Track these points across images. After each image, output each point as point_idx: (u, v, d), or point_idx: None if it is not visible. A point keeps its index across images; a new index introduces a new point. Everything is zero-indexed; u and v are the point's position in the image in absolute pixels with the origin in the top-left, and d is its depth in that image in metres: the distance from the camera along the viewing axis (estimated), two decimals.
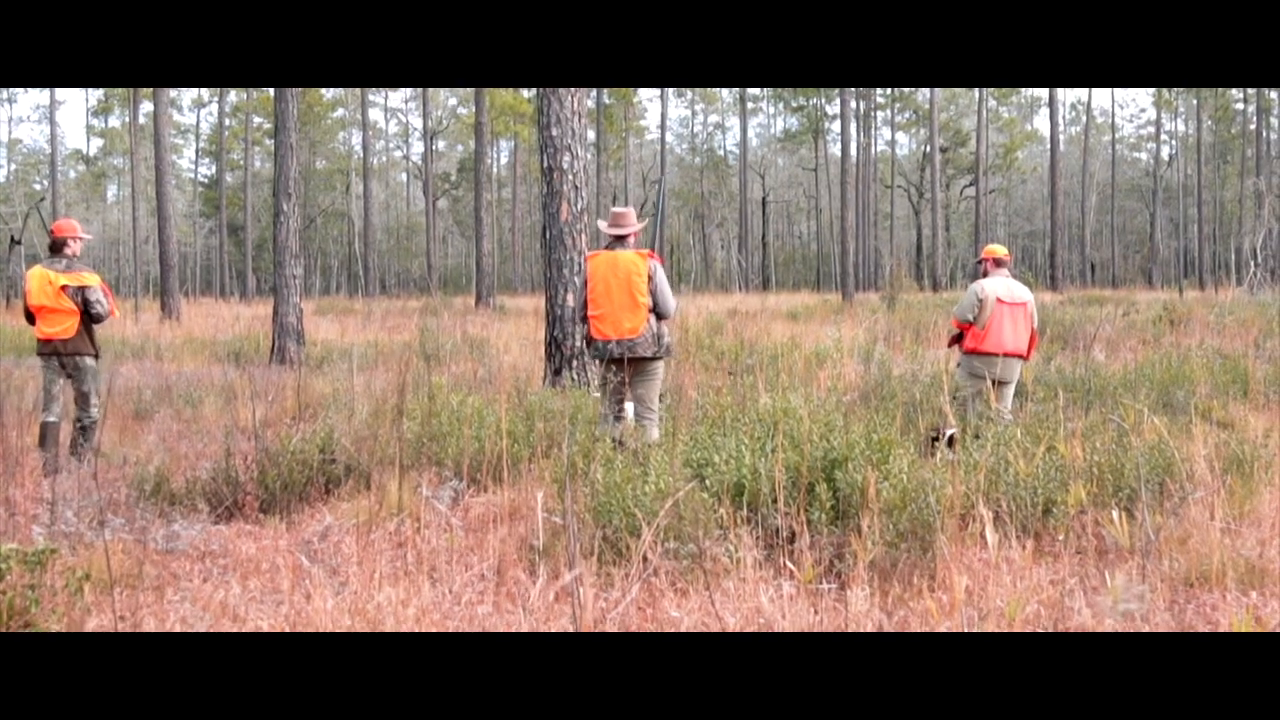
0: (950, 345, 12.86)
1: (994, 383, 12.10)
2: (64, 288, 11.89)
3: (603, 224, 10.90)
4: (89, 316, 12.04)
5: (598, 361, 10.93)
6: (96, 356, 12.23)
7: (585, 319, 10.73)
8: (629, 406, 10.48)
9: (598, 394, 11.30)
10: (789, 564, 7.14)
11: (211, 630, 6.16)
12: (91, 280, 12.11)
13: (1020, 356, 12.41)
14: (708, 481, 8.00)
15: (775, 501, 7.73)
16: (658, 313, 10.52)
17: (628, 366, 10.45)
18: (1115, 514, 7.32)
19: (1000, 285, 12.33)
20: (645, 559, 6.93)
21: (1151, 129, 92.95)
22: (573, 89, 14.88)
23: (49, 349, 12.04)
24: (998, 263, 12.65)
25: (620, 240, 10.61)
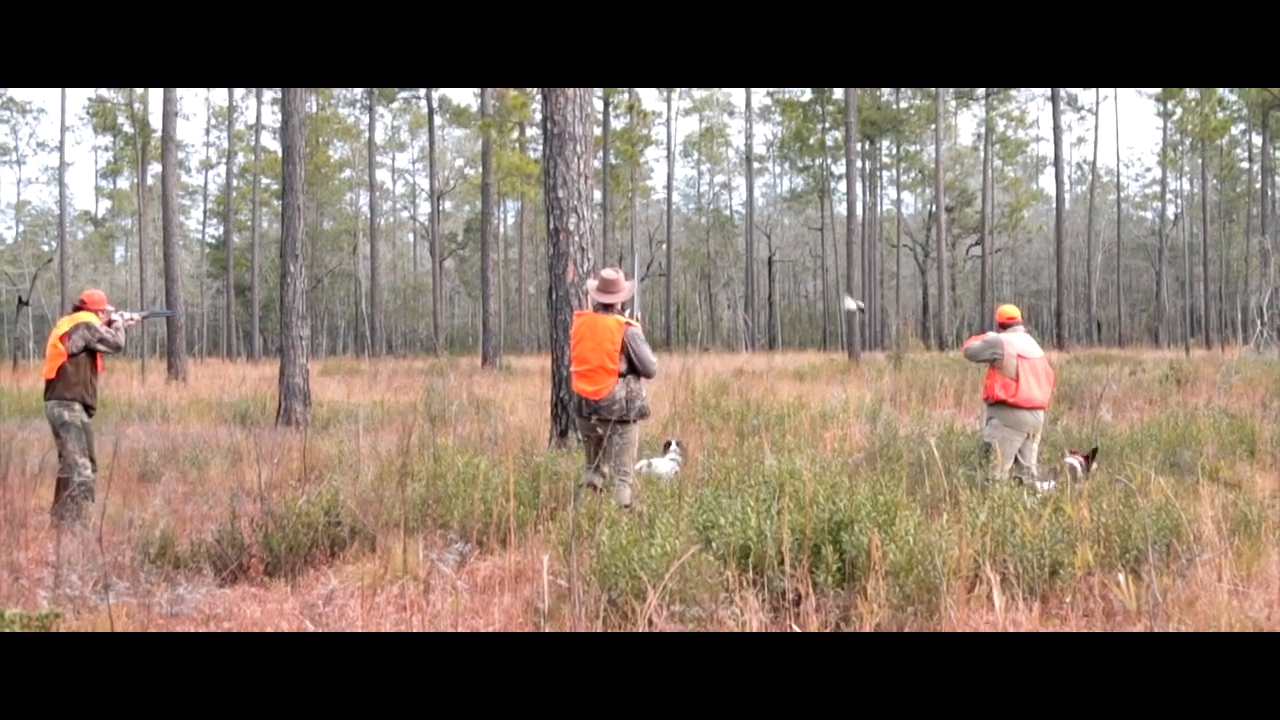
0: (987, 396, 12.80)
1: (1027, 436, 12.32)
2: (65, 334, 11.95)
3: (592, 284, 10.98)
4: (93, 351, 12.08)
5: (578, 415, 10.98)
6: (88, 409, 12.16)
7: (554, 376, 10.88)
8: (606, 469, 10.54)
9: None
10: (795, 627, 7.11)
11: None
12: (87, 317, 12.15)
13: (1044, 408, 12.63)
14: (713, 544, 7.98)
15: (781, 564, 7.71)
16: (641, 373, 10.57)
17: (599, 426, 10.51)
18: (1122, 576, 7.30)
19: (1020, 341, 12.43)
20: (650, 622, 6.90)
21: (1157, 188, 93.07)
22: (579, 153, 14.94)
23: (44, 394, 12.10)
24: (1007, 324, 12.74)
25: (607, 307, 10.66)
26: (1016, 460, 12.30)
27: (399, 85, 62.86)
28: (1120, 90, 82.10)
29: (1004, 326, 12.72)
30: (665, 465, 12.96)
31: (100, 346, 12.11)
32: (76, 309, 12.35)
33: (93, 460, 12.04)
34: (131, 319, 12.88)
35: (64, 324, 12.10)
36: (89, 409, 12.15)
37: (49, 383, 11.99)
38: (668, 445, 13.78)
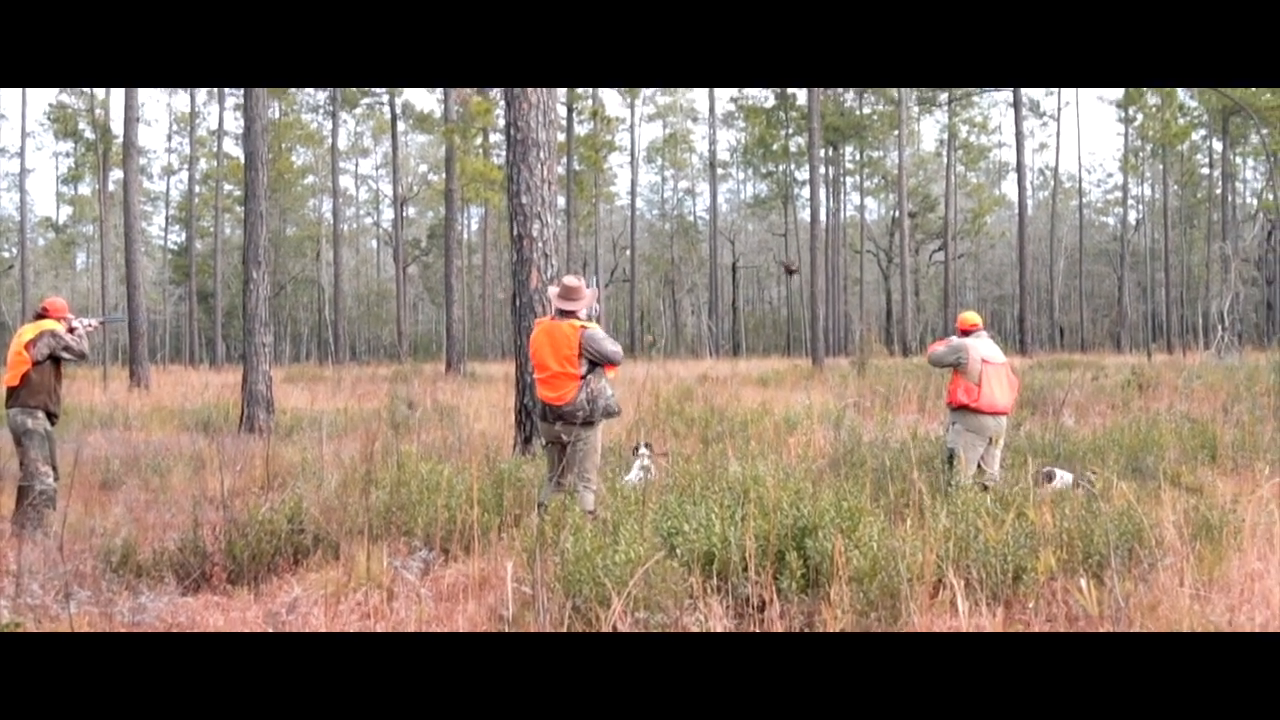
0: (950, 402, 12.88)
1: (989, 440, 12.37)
2: (30, 343, 11.88)
3: (554, 291, 10.99)
4: (57, 358, 12.03)
5: (539, 421, 11.00)
6: (51, 417, 12.09)
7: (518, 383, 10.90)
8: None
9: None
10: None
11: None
12: (50, 325, 12.09)
13: (1008, 413, 12.68)
14: (678, 550, 7.98)
15: (745, 570, 7.71)
16: (606, 365, 10.60)
17: (562, 432, 10.51)
18: (1085, 581, 7.33)
19: (984, 346, 12.49)
20: (615, 629, 6.90)
21: (1118, 193, 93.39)
22: (542, 159, 14.93)
23: (5, 401, 12.03)
24: (969, 330, 12.79)
25: (567, 314, 10.67)
26: (980, 466, 12.34)
27: (364, 85, 62.80)
28: (1082, 96, 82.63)
29: (966, 333, 12.78)
30: (632, 475, 12.98)
31: (65, 355, 12.06)
32: (39, 316, 12.29)
33: (55, 468, 11.96)
34: (91, 325, 12.81)
35: (28, 331, 12.03)
36: (52, 417, 12.09)
37: (12, 390, 11.92)
38: (636, 448, 13.81)
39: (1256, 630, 7.23)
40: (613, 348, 10.65)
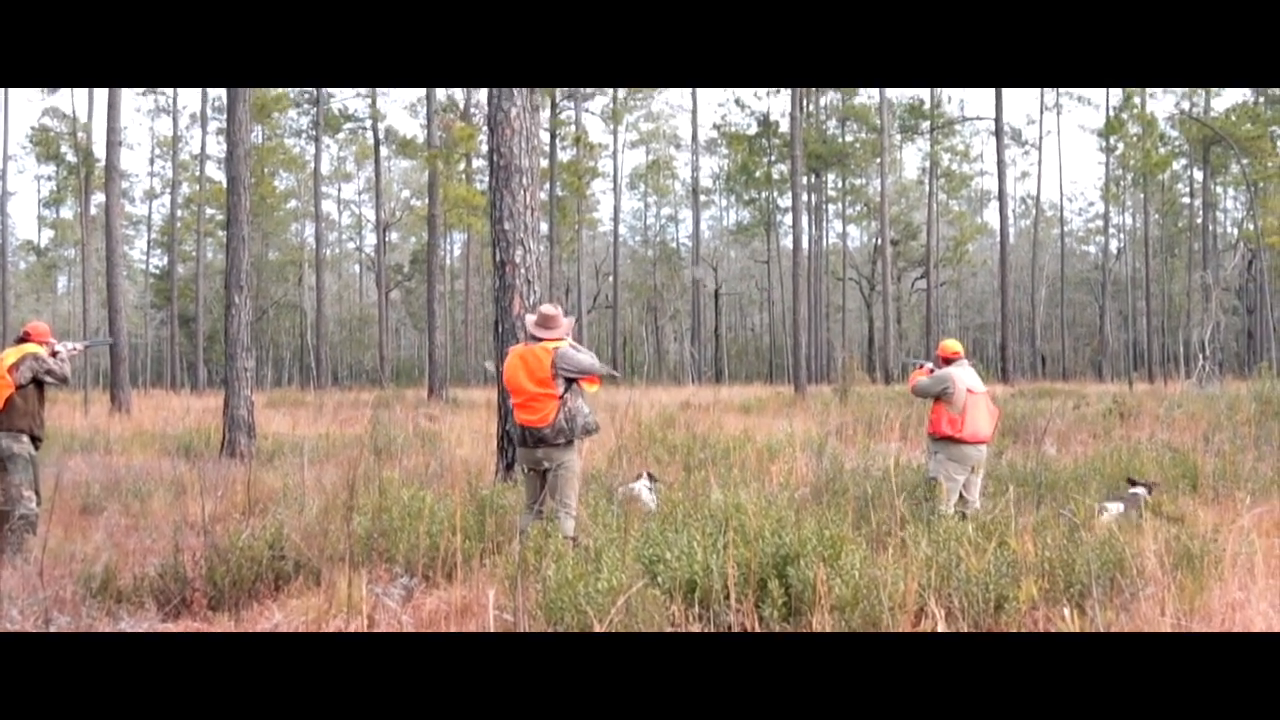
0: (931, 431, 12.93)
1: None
2: (12, 366, 11.84)
3: (530, 318, 11.01)
4: (40, 383, 12.00)
5: (518, 448, 10.99)
6: (35, 441, 12.06)
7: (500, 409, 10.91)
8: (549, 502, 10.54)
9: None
10: None
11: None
12: (33, 348, 12.06)
13: (989, 442, 12.71)
14: (659, 578, 7.98)
15: (727, 598, 7.71)
16: (586, 378, 10.62)
17: (544, 457, 10.50)
18: (1066, 610, 7.33)
19: (967, 375, 12.51)
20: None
21: (1100, 222, 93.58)
22: (525, 185, 14.94)
23: None
24: (951, 359, 12.81)
25: (539, 340, 10.68)
26: (961, 495, 12.36)
27: (348, 85, 62.74)
28: (1063, 124, 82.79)
29: (948, 361, 12.78)
30: (646, 492, 13.10)
31: (48, 378, 12.04)
32: (21, 340, 12.26)
33: (37, 493, 11.92)
34: (75, 349, 12.77)
35: (10, 355, 11.99)
36: (36, 441, 12.06)
37: None
38: (639, 476, 13.91)
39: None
40: (588, 360, 10.64)
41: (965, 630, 7.68)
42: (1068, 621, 7.35)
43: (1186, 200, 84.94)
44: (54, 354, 12.27)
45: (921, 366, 13.44)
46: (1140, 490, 13.21)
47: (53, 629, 7.78)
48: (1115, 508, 12.54)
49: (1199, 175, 78.68)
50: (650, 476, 13.92)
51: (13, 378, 11.84)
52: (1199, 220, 79.30)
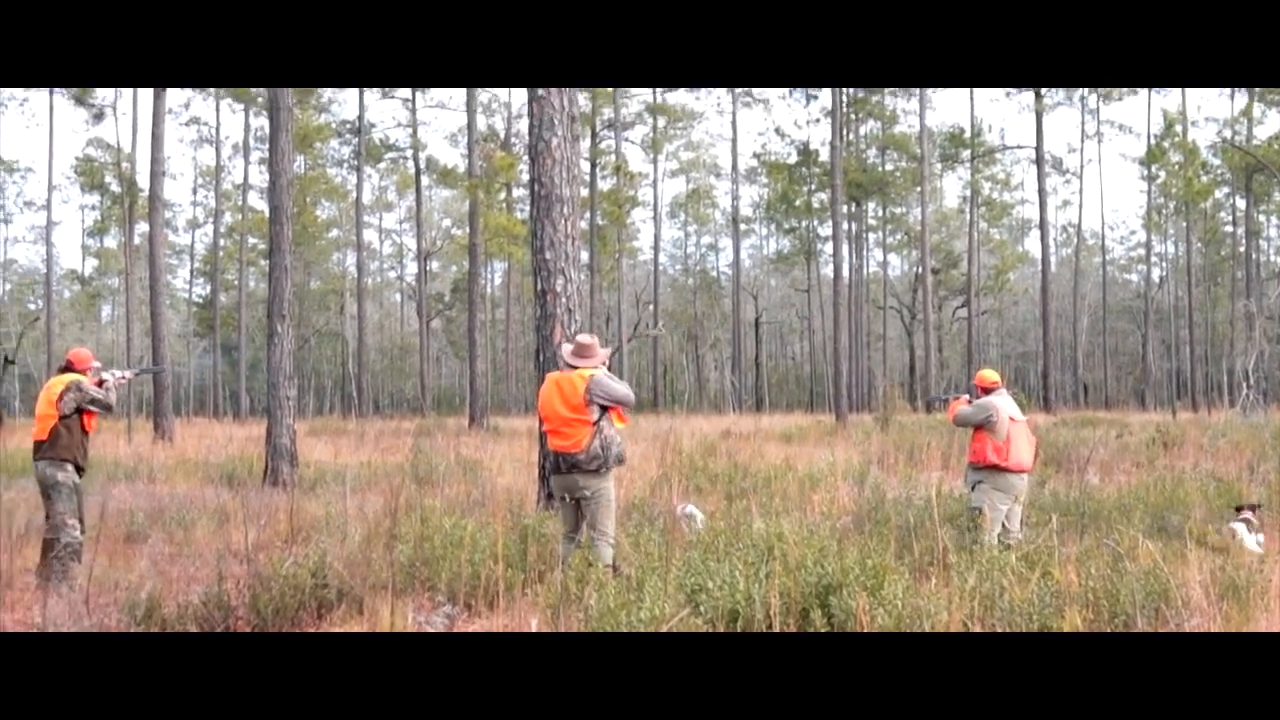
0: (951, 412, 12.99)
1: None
2: (63, 392, 11.91)
3: (567, 348, 11.04)
4: (84, 411, 12.06)
5: (551, 475, 10.98)
6: (79, 470, 12.12)
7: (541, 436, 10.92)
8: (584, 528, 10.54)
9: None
10: None
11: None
12: (76, 378, 12.13)
13: (1031, 471, 12.69)
14: (702, 607, 7.97)
15: (770, 628, 7.70)
16: (618, 407, 10.63)
17: (578, 482, 10.49)
18: None
19: (1008, 403, 12.45)
20: None
21: (1141, 251, 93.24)
22: (566, 214, 14.97)
23: (33, 454, 12.06)
24: (990, 389, 12.76)
25: (573, 367, 10.70)
26: (1003, 524, 12.29)
27: (389, 85, 62.83)
28: (1104, 153, 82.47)
29: (987, 390, 12.72)
30: (700, 516, 13.27)
31: (92, 407, 12.09)
32: (64, 369, 12.34)
33: (81, 521, 11.97)
34: (122, 378, 12.85)
35: (56, 385, 12.07)
36: (80, 470, 12.11)
37: (40, 443, 11.95)
38: (684, 509, 14.06)
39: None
40: (623, 389, 10.66)
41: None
42: None
43: (1229, 228, 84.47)
44: (100, 382, 12.34)
45: (959, 398, 13.38)
46: (1248, 514, 13.37)
47: None
48: (1241, 528, 12.72)
49: (1241, 203, 78.23)
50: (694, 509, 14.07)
51: (58, 408, 11.91)
52: (1242, 248, 78.83)
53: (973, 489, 12.57)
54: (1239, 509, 13.86)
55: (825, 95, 69.93)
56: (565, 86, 15.08)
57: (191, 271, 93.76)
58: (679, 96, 78.12)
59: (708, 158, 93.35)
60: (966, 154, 75.66)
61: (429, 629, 8.70)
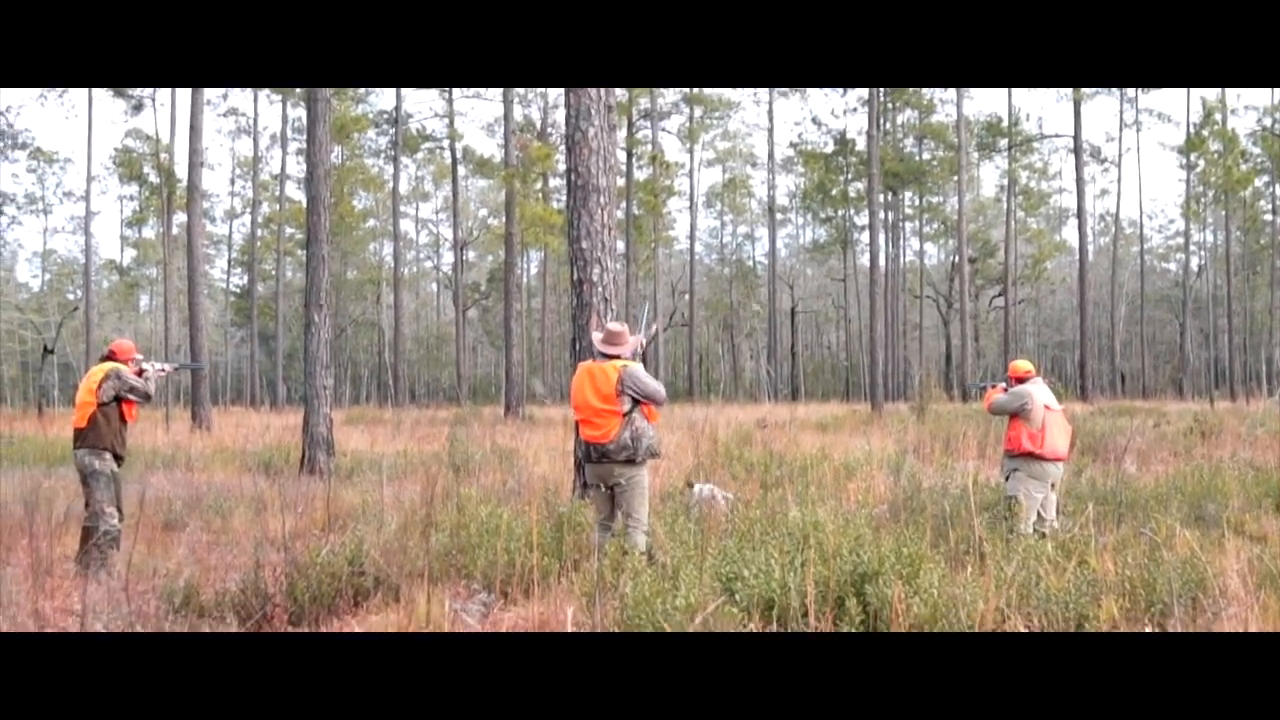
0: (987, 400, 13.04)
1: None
2: (103, 380, 12.01)
3: (597, 336, 11.02)
4: (123, 400, 12.14)
5: (585, 464, 10.95)
6: (117, 459, 12.20)
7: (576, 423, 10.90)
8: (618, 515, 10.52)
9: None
10: None
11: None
12: (116, 366, 12.22)
13: (1067, 459, 12.67)
14: (737, 595, 7.97)
15: (805, 616, 7.70)
16: (649, 402, 10.62)
17: (610, 472, 10.50)
18: (1148, 629, 7.26)
19: (1044, 392, 12.43)
20: None
21: (1180, 239, 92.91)
22: (602, 204, 14.97)
23: (73, 442, 12.16)
24: (1024, 379, 12.75)
25: (609, 358, 10.67)
26: (1039, 513, 12.27)
27: (425, 85, 62.87)
28: (1142, 142, 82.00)
29: (1019, 380, 12.71)
30: (720, 495, 13.34)
31: (130, 396, 12.17)
32: (105, 358, 12.42)
33: (119, 509, 12.06)
34: (162, 370, 12.93)
35: (96, 373, 12.16)
36: (118, 458, 12.19)
37: (79, 431, 12.05)
38: (689, 485, 14.15)
39: None
40: (655, 385, 10.62)
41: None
42: None
43: (1269, 217, 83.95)
44: (140, 372, 12.42)
45: (995, 386, 13.37)
46: None
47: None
48: None
49: None
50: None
51: (97, 395, 12.00)
52: None
53: (1008, 478, 12.56)
54: None
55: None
56: (600, 86, 15.08)
57: (229, 261, 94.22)
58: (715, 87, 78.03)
59: (744, 147, 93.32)
60: (1004, 143, 75.32)
61: (465, 617, 8.72)
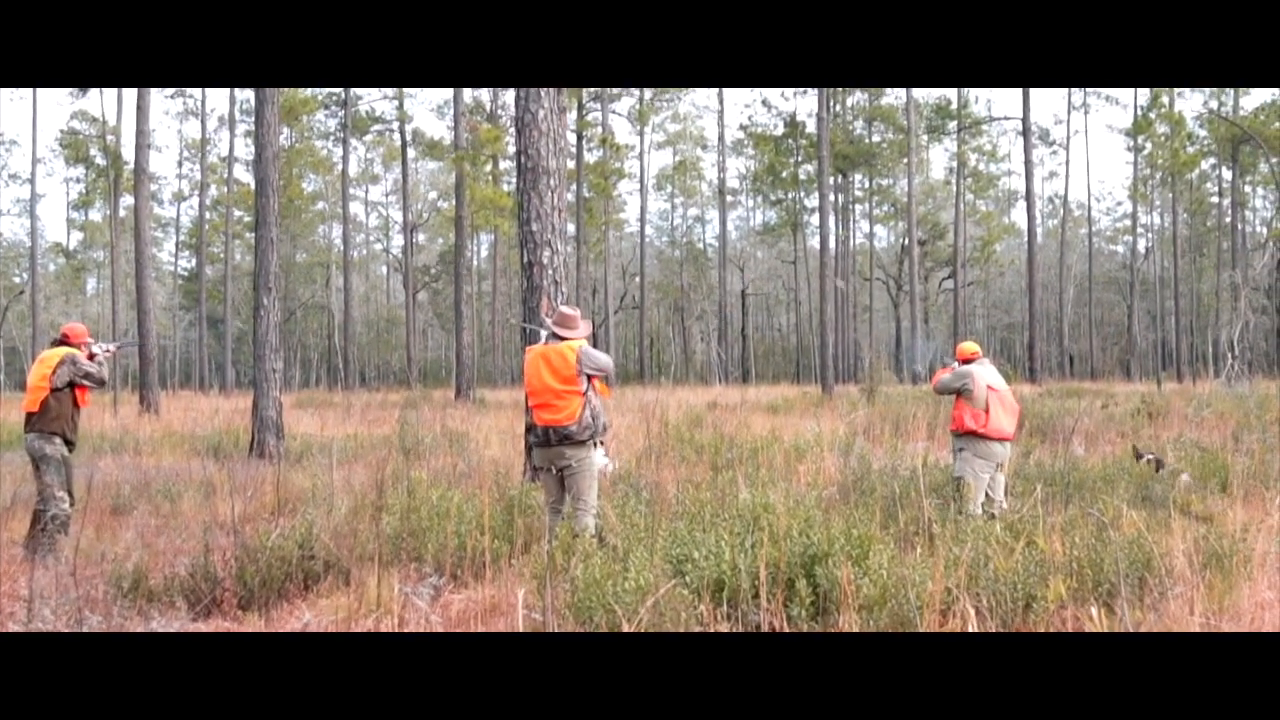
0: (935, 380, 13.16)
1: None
2: (57, 366, 11.96)
3: (548, 320, 11.01)
4: (76, 385, 12.10)
5: (535, 448, 10.91)
6: (68, 444, 12.16)
7: (529, 408, 10.86)
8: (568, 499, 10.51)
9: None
10: None
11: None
12: (70, 351, 12.18)
13: (1013, 439, 12.72)
14: (687, 578, 7.99)
15: (755, 597, 7.73)
16: (603, 378, 10.67)
17: (564, 454, 10.47)
18: (1095, 609, 7.31)
19: (987, 372, 12.52)
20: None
21: (1128, 222, 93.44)
22: (552, 186, 14.95)
23: (24, 426, 12.11)
24: (970, 360, 12.84)
25: (561, 340, 10.66)
26: (988, 494, 12.34)
27: (373, 85, 62.73)
28: (1091, 124, 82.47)
29: (967, 361, 12.80)
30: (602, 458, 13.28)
31: (85, 381, 12.13)
32: (58, 343, 12.37)
33: (70, 494, 12.01)
34: (109, 350, 12.86)
35: (51, 357, 12.11)
36: (69, 443, 12.15)
37: (30, 415, 12.00)
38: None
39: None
40: (607, 360, 10.67)
41: (993, 629, 7.67)
42: (1096, 621, 7.34)
43: (1215, 199, 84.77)
44: (91, 356, 12.37)
45: (946, 366, 13.47)
46: (1150, 457, 13.77)
47: (85, 628, 7.82)
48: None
49: (1228, 174, 78.57)
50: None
51: (50, 381, 11.96)
52: (1228, 219, 79.16)
53: (955, 458, 12.66)
54: (1138, 453, 14.19)
55: None
56: (551, 86, 15.06)
57: (177, 244, 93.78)
58: None
59: (694, 129, 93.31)
60: (953, 125, 75.74)
61: (416, 600, 8.71)
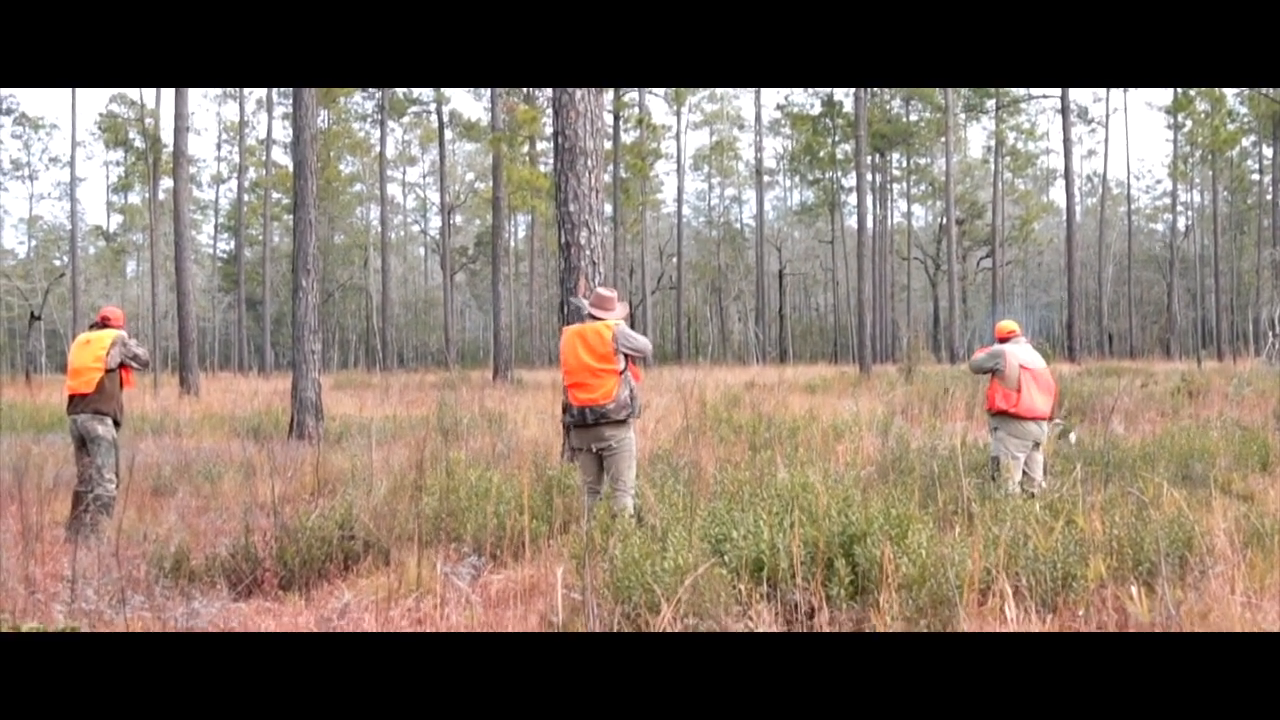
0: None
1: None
2: (110, 346, 12.07)
3: (585, 302, 11.02)
4: (121, 369, 12.20)
5: (572, 429, 10.90)
6: (117, 424, 12.26)
7: (565, 388, 10.86)
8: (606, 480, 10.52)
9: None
10: None
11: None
12: (119, 333, 12.30)
13: (1048, 418, 12.65)
14: (726, 557, 7.99)
15: (794, 577, 7.72)
16: (640, 358, 10.70)
17: (602, 434, 10.50)
18: (1135, 588, 7.29)
19: (1023, 352, 12.47)
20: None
21: (1167, 200, 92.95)
22: (590, 167, 14.93)
23: (71, 407, 12.17)
24: (1007, 338, 12.79)
25: (597, 320, 10.66)
26: (1025, 473, 12.31)
27: (413, 85, 62.73)
28: (1130, 102, 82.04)
29: (1004, 340, 12.76)
30: None
31: (133, 363, 12.26)
32: (98, 325, 12.46)
33: (117, 475, 12.11)
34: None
35: (104, 338, 12.20)
36: (117, 424, 12.26)
37: (83, 397, 12.07)
38: None
39: None
40: (644, 341, 10.69)
41: (1034, 608, 7.65)
42: (1136, 600, 7.32)
43: (1256, 177, 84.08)
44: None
45: (983, 346, 13.44)
46: (1059, 424, 13.92)
47: (127, 609, 7.88)
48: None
49: (1269, 151, 77.96)
50: None
51: (105, 362, 12.05)
52: (1269, 196, 78.45)
53: (991, 437, 12.66)
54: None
55: None
56: (590, 86, 15.05)
57: (216, 227, 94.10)
58: None
59: (731, 109, 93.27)
60: (991, 103, 75.34)
61: (455, 580, 8.74)
